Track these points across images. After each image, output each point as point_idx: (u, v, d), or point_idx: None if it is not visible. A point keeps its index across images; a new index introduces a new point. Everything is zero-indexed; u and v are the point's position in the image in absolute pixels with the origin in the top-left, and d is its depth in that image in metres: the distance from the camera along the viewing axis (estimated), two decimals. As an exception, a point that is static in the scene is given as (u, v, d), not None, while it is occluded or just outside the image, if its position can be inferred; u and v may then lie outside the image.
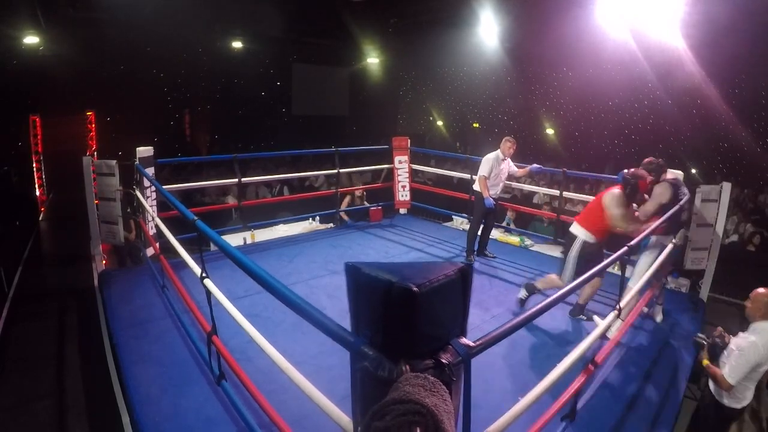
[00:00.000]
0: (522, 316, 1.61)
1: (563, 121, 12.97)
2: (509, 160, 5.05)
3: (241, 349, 2.81)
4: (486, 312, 3.90)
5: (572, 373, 2.26)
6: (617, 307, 2.55)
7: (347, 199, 6.64)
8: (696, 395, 4.24)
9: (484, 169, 4.93)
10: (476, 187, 5.07)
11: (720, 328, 3.02)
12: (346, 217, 6.50)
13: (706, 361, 2.94)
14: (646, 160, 3.77)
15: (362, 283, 1.14)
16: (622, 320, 3.09)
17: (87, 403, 3.56)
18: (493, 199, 4.96)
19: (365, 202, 6.70)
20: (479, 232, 5.19)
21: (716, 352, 2.94)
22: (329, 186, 7.87)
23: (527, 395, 1.82)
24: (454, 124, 15.46)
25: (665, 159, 3.88)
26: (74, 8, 8.06)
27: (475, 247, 5.20)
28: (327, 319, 1.44)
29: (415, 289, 1.03)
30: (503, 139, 5.02)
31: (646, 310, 3.89)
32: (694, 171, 10.61)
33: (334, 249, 5.39)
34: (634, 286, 3.15)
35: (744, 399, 2.82)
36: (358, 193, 6.78)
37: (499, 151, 4.97)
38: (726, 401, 2.86)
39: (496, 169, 4.95)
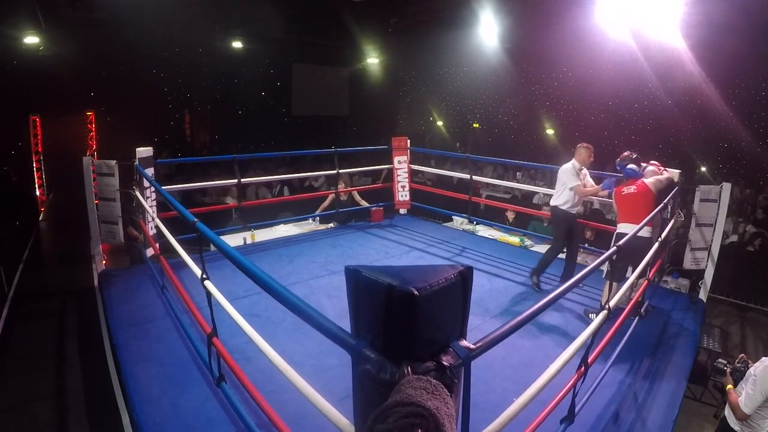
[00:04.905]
0: (520, 318, 1.61)
1: (563, 122, 12.98)
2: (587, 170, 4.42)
3: (240, 350, 2.81)
4: (486, 312, 3.90)
5: (567, 374, 2.25)
6: (606, 306, 2.54)
7: (330, 198, 6.31)
8: (695, 394, 4.26)
9: (571, 180, 4.24)
10: (555, 202, 4.39)
11: (743, 355, 2.86)
12: (315, 221, 6.33)
13: (730, 386, 2.77)
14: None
15: (362, 286, 1.14)
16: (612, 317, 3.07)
17: (87, 403, 3.57)
18: (573, 214, 4.36)
19: (364, 202, 6.68)
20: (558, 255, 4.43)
21: (740, 378, 2.77)
22: (329, 186, 7.87)
23: (521, 396, 1.82)
24: (454, 124, 15.46)
25: (665, 159, 3.94)
26: (74, 8, 8.06)
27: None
28: (328, 321, 1.43)
29: (415, 292, 1.03)
30: (578, 147, 4.35)
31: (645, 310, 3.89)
32: (703, 169, 10.65)
33: (334, 249, 5.39)
34: (624, 285, 3.15)
35: (761, 430, 2.59)
36: (342, 195, 6.37)
37: (574, 160, 4.32)
38: (738, 430, 2.67)
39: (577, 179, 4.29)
